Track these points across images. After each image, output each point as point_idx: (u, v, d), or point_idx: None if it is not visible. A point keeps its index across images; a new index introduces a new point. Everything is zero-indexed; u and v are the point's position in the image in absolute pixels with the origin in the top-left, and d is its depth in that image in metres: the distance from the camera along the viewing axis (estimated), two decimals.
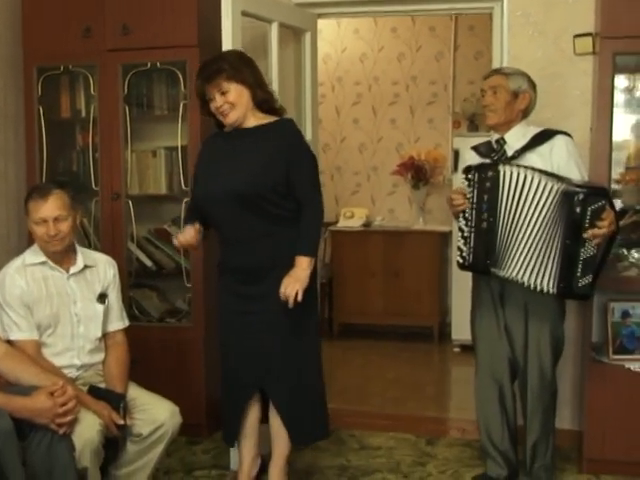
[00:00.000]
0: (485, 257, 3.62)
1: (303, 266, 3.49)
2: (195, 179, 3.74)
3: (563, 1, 4.33)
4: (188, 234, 3.58)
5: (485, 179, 3.60)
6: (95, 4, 4.53)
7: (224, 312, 3.73)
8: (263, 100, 3.57)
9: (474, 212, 3.63)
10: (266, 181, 3.45)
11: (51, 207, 3.37)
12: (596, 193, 3.49)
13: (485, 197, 3.60)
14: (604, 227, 3.44)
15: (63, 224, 3.40)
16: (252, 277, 3.58)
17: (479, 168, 3.65)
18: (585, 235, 3.46)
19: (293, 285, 3.44)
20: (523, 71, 3.79)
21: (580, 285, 3.52)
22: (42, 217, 3.37)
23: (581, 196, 3.45)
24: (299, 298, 3.44)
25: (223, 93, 3.49)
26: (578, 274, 3.50)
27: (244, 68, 3.52)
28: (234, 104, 3.50)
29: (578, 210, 3.46)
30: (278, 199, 3.49)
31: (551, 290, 3.56)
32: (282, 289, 3.45)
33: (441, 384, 6.12)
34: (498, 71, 3.85)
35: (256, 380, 3.66)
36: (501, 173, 3.57)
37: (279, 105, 3.68)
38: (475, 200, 3.62)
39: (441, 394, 5.82)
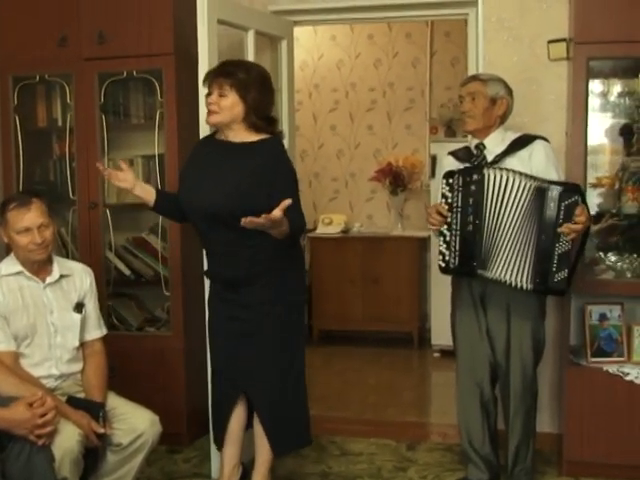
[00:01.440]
0: (472, 259, 3.64)
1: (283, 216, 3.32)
2: (180, 183, 3.74)
3: (537, 7, 4.37)
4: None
5: (470, 182, 3.63)
6: (70, 13, 4.52)
7: (212, 316, 3.77)
8: (253, 124, 3.54)
9: (459, 215, 3.65)
10: (240, 203, 3.42)
11: (34, 215, 3.36)
12: (569, 189, 3.55)
13: (470, 200, 3.63)
14: (580, 222, 3.49)
15: (46, 231, 3.40)
16: (233, 286, 3.60)
17: (463, 172, 3.67)
18: (560, 230, 3.51)
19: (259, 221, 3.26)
20: (500, 77, 3.82)
21: (556, 280, 3.56)
22: (26, 226, 3.35)
23: (554, 192, 3.51)
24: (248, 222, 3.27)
25: (221, 95, 3.49)
26: (554, 269, 3.54)
27: (253, 89, 3.50)
28: (222, 109, 3.50)
29: (552, 206, 3.52)
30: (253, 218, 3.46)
31: (528, 286, 3.59)
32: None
33: (421, 389, 6.12)
34: (475, 77, 3.88)
35: (239, 385, 3.68)
36: (486, 176, 3.60)
37: (277, 130, 3.66)
38: (460, 204, 3.64)
39: (421, 399, 5.82)
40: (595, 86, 4.15)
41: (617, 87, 4.21)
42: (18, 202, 3.39)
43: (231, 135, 3.58)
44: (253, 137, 3.56)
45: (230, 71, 3.53)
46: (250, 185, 3.45)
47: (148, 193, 3.74)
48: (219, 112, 3.51)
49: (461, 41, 6.22)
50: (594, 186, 4.12)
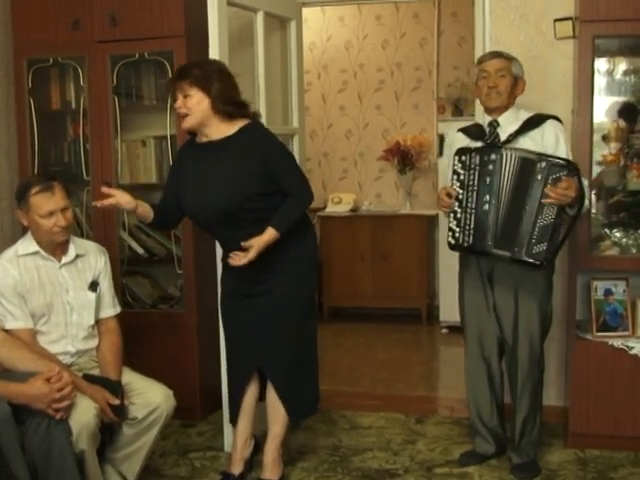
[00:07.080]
0: (487, 238, 3.67)
1: (269, 234, 3.51)
2: (168, 185, 3.80)
3: None
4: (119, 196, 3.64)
5: (488, 162, 3.65)
6: None
7: (225, 294, 3.83)
8: (224, 112, 3.55)
9: (475, 194, 3.68)
10: (243, 193, 3.49)
11: (58, 198, 3.40)
12: (559, 165, 3.55)
13: (487, 180, 3.65)
14: (560, 188, 3.47)
15: (68, 213, 3.45)
16: (252, 270, 3.60)
17: (481, 151, 3.69)
18: (543, 200, 3.52)
19: (249, 251, 3.50)
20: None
21: (534, 252, 3.57)
22: (51, 210, 3.38)
23: (543, 164, 3.54)
24: (245, 260, 3.51)
25: (185, 96, 3.51)
26: (533, 240, 3.57)
27: (214, 79, 3.51)
28: (190, 110, 3.51)
29: (539, 177, 3.54)
30: (262, 204, 3.53)
31: (506, 254, 3.63)
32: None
33: (429, 364, 6.18)
34: (500, 54, 3.82)
35: (254, 360, 3.75)
36: (504, 157, 3.63)
37: (250, 112, 3.67)
38: (476, 182, 3.67)
39: (429, 374, 5.89)
40: (601, 64, 4.17)
41: (623, 65, 4.23)
42: (41, 186, 3.39)
43: (210, 133, 3.59)
44: (232, 128, 3.57)
45: (185, 71, 3.56)
46: (247, 173, 3.51)
47: (147, 210, 3.74)
48: (190, 113, 3.52)
49: (468, 21, 6.25)
50: (600, 163, 4.15)
